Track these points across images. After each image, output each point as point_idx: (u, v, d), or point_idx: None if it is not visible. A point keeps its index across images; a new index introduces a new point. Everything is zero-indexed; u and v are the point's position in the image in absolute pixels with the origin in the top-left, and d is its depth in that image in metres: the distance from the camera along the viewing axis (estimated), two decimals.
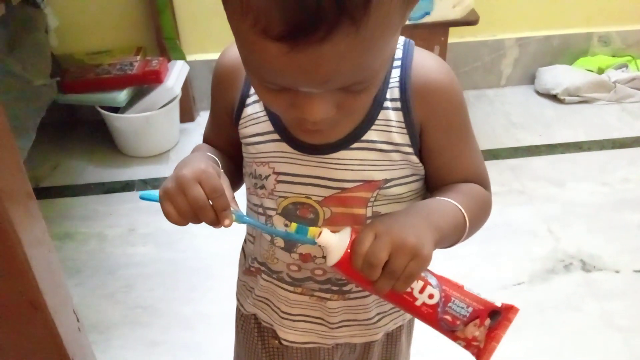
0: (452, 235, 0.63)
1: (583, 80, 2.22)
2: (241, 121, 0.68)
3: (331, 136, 0.64)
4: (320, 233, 0.59)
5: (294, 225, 0.61)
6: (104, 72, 1.91)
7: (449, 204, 0.64)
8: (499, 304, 0.61)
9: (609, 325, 1.41)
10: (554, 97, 2.26)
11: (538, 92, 2.32)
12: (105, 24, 2.03)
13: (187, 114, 2.11)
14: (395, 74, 0.63)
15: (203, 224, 0.60)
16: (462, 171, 0.68)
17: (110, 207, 1.82)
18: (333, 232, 0.60)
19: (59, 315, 0.81)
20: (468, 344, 0.62)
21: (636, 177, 1.87)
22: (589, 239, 1.65)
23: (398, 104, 0.63)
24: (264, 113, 0.66)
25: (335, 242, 0.59)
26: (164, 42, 1.99)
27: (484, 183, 0.70)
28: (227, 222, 0.59)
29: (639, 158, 1.96)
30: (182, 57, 1.99)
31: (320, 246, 0.60)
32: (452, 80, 0.64)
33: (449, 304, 0.60)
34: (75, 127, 2.14)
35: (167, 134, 2.03)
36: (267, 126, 0.66)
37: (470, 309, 0.61)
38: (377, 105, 0.63)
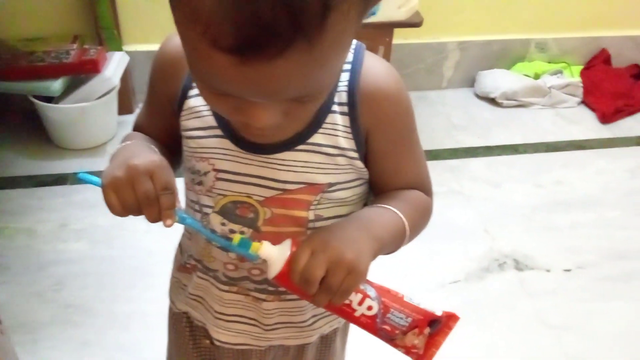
0: (392, 244, 0.64)
1: (520, 84, 2.29)
2: (183, 113, 0.66)
3: (276, 137, 0.62)
4: (261, 246, 0.59)
5: (237, 238, 0.60)
6: (38, 59, 1.82)
7: (390, 212, 0.64)
8: (439, 313, 0.63)
9: (540, 322, 1.46)
10: (493, 101, 2.33)
11: (477, 95, 2.38)
12: (41, 9, 1.94)
13: (126, 106, 2.04)
14: (344, 77, 0.62)
15: (140, 217, 0.58)
16: (406, 177, 0.69)
17: (41, 201, 1.74)
18: (275, 244, 0.60)
19: None
20: (407, 351, 0.64)
21: (568, 180, 1.95)
22: (523, 239, 1.70)
23: (345, 109, 0.62)
24: (207, 107, 0.64)
25: (275, 255, 0.59)
26: (100, 31, 1.92)
27: (426, 189, 0.71)
28: (169, 221, 0.57)
29: (572, 161, 2.04)
30: (119, 48, 1.92)
31: (261, 259, 0.60)
32: (401, 87, 0.64)
33: (388, 315, 0.61)
34: (6, 116, 2.03)
35: (104, 126, 1.96)
36: (210, 121, 0.64)
37: (409, 319, 0.62)
38: (325, 109, 0.62)
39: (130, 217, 0.59)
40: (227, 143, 0.64)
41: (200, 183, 0.67)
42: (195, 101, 0.65)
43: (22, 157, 1.90)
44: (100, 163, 1.88)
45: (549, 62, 2.42)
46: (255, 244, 0.59)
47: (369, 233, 0.60)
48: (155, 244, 1.54)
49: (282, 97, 0.49)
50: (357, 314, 0.61)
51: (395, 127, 0.65)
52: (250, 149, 0.63)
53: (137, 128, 0.74)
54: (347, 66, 0.62)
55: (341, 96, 0.62)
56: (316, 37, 0.44)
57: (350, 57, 0.62)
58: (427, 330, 0.63)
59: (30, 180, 1.82)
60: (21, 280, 1.50)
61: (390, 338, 0.63)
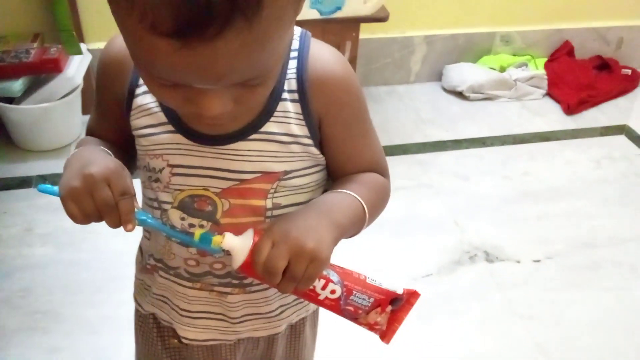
0: (352, 228, 0.65)
1: (486, 78, 2.32)
2: (132, 112, 0.66)
3: (229, 127, 0.62)
4: (223, 239, 0.60)
5: (197, 233, 0.61)
6: None
7: (349, 197, 0.65)
8: (400, 291, 0.66)
9: (511, 313, 1.48)
10: (460, 94, 2.35)
11: (445, 89, 2.39)
12: None
13: (90, 105, 1.98)
14: (292, 65, 0.63)
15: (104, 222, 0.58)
16: (362, 161, 0.70)
17: (5, 204, 1.70)
18: (236, 234, 0.60)
19: None
20: (371, 328, 0.68)
21: (535, 171, 1.98)
22: (492, 230, 1.72)
23: (296, 96, 0.63)
24: (156, 104, 0.64)
25: (238, 246, 0.59)
26: (59, 34, 1.86)
27: (383, 172, 0.72)
28: (129, 226, 0.58)
29: (538, 153, 2.08)
30: (78, 52, 1.87)
31: (224, 251, 0.60)
32: (349, 72, 0.65)
33: (351, 297, 0.64)
34: None
35: (67, 127, 1.92)
36: (160, 117, 0.64)
37: (371, 300, 0.65)
38: (276, 96, 0.62)
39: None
40: (179, 138, 0.64)
41: (157, 180, 0.67)
42: (143, 99, 0.65)
43: None
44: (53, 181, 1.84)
45: (514, 55, 2.46)
46: (216, 238, 0.60)
47: (329, 220, 0.61)
48: (122, 246, 1.49)
49: (227, 80, 0.49)
50: (320, 297, 0.63)
51: (347, 111, 0.66)
52: (203, 141, 0.63)
53: (89, 132, 0.74)
54: (294, 54, 0.63)
55: (290, 83, 0.63)
56: (254, 15, 0.44)
57: (296, 44, 0.63)
58: (389, 308, 0.66)
59: None
60: None
61: (354, 317, 0.66)
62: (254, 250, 0.58)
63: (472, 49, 2.42)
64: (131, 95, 0.65)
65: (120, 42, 0.64)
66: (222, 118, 0.54)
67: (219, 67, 0.46)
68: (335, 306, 0.64)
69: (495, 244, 1.68)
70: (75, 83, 1.83)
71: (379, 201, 0.70)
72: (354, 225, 0.65)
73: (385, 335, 0.68)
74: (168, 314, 0.77)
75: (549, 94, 2.38)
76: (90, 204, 0.57)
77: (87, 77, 1.91)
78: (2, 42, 1.85)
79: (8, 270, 1.51)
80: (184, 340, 0.78)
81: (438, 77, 2.44)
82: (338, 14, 1.82)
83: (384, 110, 2.24)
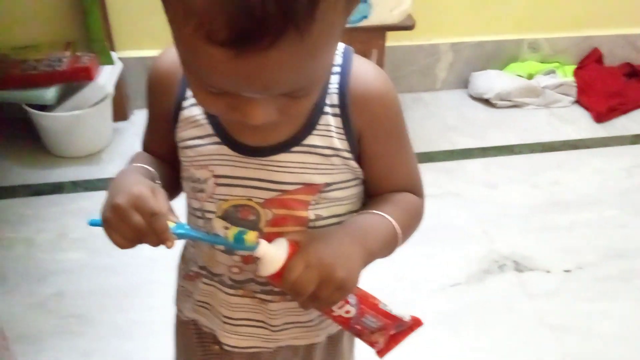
0: (384, 252, 0.67)
1: (514, 85, 2.30)
2: (178, 124, 0.68)
3: (272, 138, 0.64)
4: (258, 242, 0.61)
5: (231, 233, 0.63)
6: (31, 67, 1.81)
7: (384, 220, 0.67)
8: (407, 319, 0.72)
9: (541, 323, 1.47)
10: (487, 102, 2.33)
11: (471, 96, 2.38)
12: (32, 17, 1.93)
13: (120, 113, 2.03)
14: (335, 80, 0.64)
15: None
16: (398, 178, 0.71)
17: (39, 210, 1.73)
18: (270, 242, 0.62)
19: None
20: (370, 344, 0.73)
21: (564, 180, 1.96)
22: (521, 240, 1.71)
23: (337, 110, 0.64)
24: (202, 116, 0.66)
25: (270, 255, 0.61)
26: (91, 44, 1.90)
27: (418, 191, 0.73)
28: (168, 244, 0.59)
29: (567, 161, 2.05)
30: (110, 62, 1.90)
31: (256, 256, 0.62)
32: (390, 89, 0.66)
33: (362, 319, 0.68)
34: (0, 125, 2.02)
35: (99, 134, 1.95)
36: (207, 129, 0.66)
37: (380, 323, 0.69)
38: (318, 110, 0.64)
39: None
40: (224, 149, 0.65)
41: (201, 190, 0.68)
42: (190, 111, 0.66)
43: (18, 167, 1.89)
44: (96, 171, 1.88)
45: (542, 62, 2.43)
46: (248, 236, 0.62)
47: (362, 247, 0.63)
48: (152, 252, 1.50)
49: (275, 90, 0.50)
50: (334, 314, 0.67)
51: (386, 128, 0.67)
52: (247, 152, 0.65)
53: (144, 147, 0.76)
54: (337, 69, 0.64)
55: (332, 98, 0.64)
56: (306, 27, 0.45)
57: (339, 60, 0.64)
58: (392, 331, 0.72)
59: (27, 189, 1.81)
60: (21, 290, 1.49)
61: (358, 333, 0.71)
62: (286, 269, 0.60)
63: (499, 56, 2.40)
64: (178, 108, 0.67)
65: (167, 58, 0.67)
66: (265, 127, 0.55)
67: (268, 77, 0.48)
68: (345, 323, 0.69)
69: (524, 253, 1.66)
70: (107, 91, 1.86)
71: (412, 223, 0.72)
72: (386, 250, 0.67)
73: (382, 352, 0.73)
74: (210, 320, 0.78)
75: (578, 101, 2.35)
76: (127, 232, 0.59)
77: (117, 85, 1.94)
78: (35, 51, 1.89)
79: (42, 274, 1.54)
80: (225, 347, 0.78)
81: (464, 84, 2.43)
82: (364, 23, 1.83)
83: (409, 118, 2.20)
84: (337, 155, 0.65)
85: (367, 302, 0.68)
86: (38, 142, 1.94)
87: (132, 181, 0.62)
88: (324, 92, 0.63)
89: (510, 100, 2.31)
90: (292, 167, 0.65)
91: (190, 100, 0.66)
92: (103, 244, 1.75)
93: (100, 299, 1.48)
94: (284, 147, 0.64)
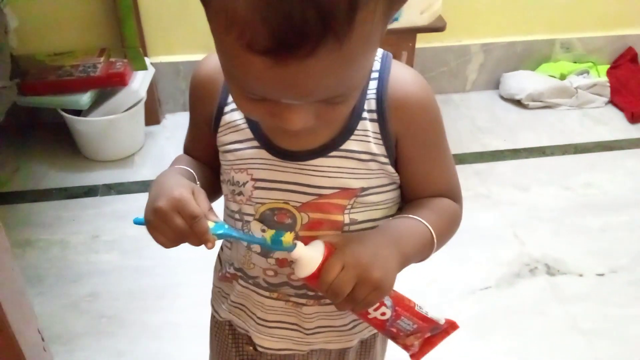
0: (419, 256, 0.67)
1: (546, 85, 2.27)
2: (220, 129, 0.69)
3: (310, 143, 0.65)
4: (294, 243, 0.62)
5: (269, 233, 0.64)
6: (66, 73, 1.86)
7: (420, 225, 0.66)
8: (442, 322, 0.71)
9: (572, 328, 1.44)
10: (518, 102, 2.30)
11: (502, 97, 2.36)
12: (67, 24, 1.98)
13: (152, 117, 2.07)
14: (373, 85, 0.64)
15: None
16: (435, 183, 0.70)
17: (73, 212, 1.77)
18: (306, 244, 0.62)
19: (23, 336, 0.77)
20: (405, 347, 0.72)
21: (597, 182, 1.92)
22: (553, 243, 1.68)
23: (375, 116, 0.64)
24: (243, 120, 0.67)
25: (307, 256, 0.61)
26: (126, 50, 1.94)
27: (456, 196, 0.72)
28: (209, 245, 0.61)
29: (600, 163, 2.01)
30: (144, 67, 1.94)
31: (293, 258, 0.62)
32: (428, 94, 0.66)
33: (398, 321, 0.68)
34: (36, 129, 2.08)
35: (132, 138, 1.99)
36: (247, 133, 0.67)
37: (415, 326, 0.69)
38: (356, 116, 0.64)
39: None
40: (263, 153, 0.67)
41: (240, 193, 0.70)
42: (231, 116, 0.68)
43: (53, 170, 1.94)
44: (129, 174, 1.91)
45: (575, 62, 2.39)
46: (286, 237, 0.63)
47: (398, 250, 0.63)
48: (183, 254, 1.52)
49: (314, 97, 0.51)
50: (370, 316, 0.67)
51: (423, 133, 0.67)
52: (285, 157, 0.66)
53: (185, 151, 0.78)
54: (375, 74, 0.64)
55: (370, 104, 0.64)
56: (345, 35, 0.45)
57: (377, 65, 0.65)
58: (427, 334, 0.71)
59: (62, 192, 1.85)
60: (56, 291, 1.53)
61: (393, 337, 0.71)
62: (324, 269, 0.60)
63: (530, 56, 2.37)
64: (220, 113, 0.68)
65: (209, 64, 0.69)
66: (303, 132, 0.56)
67: (307, 84, 0.48)
68: (381, 325, 0.68)
69: (556, 256, 1.64)
70: (140, 96, 1.90)
71: (448, 229, 0.71)
72: (421, 254, 0.67)
73: (416, 356, 0.73)
74: (245, 321, 0.80)
75: (612, 101, 2.31)
76: (170, 233, 0.60)
77: (150, 90, 1.97)
78: (70, 57, 1.93)
79: (76, 275, 1.58)
80: (258, 348, 0.80)
81: (495, 85, 2.40)
82: (395, 25, 1.82)
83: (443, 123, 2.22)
84: (374, 160, 0.66)
85: (403, 304, 0.68)
86: (73, 146, 1.99)
87: (173, 183, 0.63)
88: (362, 97, 0.64)
89: (542, 101, 2.28)
90: (329, 172, 0.65)
91: (231, 105, 0.68)
92: (134, 246, 1.78)
93: (131, 300, 1.51)
94: (322, 151, 0.65)
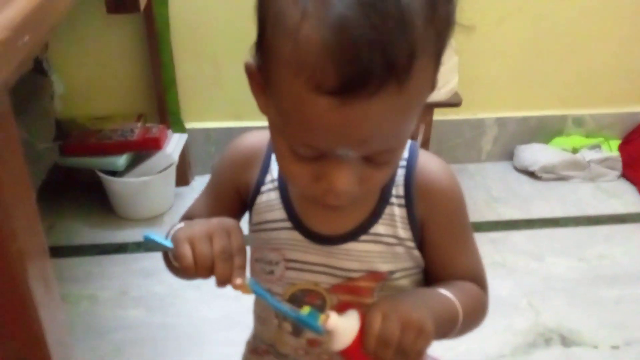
0: (446, 325, 0.66)
1: (559, 158, 2.34)
2: (255, 207, 0.73)
3: (341, 227, 0.68)
4: (328, 313, 0.60)
5: (307, 308, 0.62)
6: (105, 137, 1.97)
7: (445, 295, 0.68)
8: None
9: None
10: (532, 174, 2.37)
11: (516, 168, 2.43)
12: (109, 90, 2.10)
13: (182, 178, 2.16)
14: (401, 172, 0.69)
15: (196, 284, 0.61)
16: (460, 270, 0.72)
17: (103, 268, 1.84)
18: (339, 315, 0.61)
19: None
20: None
21: (611, 254, 1.96)
22: (568, 313, 1.71)
23: (402, 201, 0.69)
24: (278, 201, 0.71)
25: (342, 326, 0.59)
26: (167, 116, 2.07)
27: (481, 284, 0.74)
28: (239, 280, 0.58)
29: (614, 235, 2.06)
30: (183, 131, 2.07)
31: (326, 331, 0.60)
32: (454, 183, 0.71)
33: None
34: (72, 188, 2.17)
35: (163, 198, 2.07)
36: (281, 214, 0.71)
37: None
38: (384, 200, 0.69)
39: (186, 285, 0.62)
40: (296, 235, 0.70)
41: (271, 272, 0.73)
42: (268, 196, 0.72)
43: (87, 227, 2.02)
44: (158, 232, 1.97)
45: (587, 137, 2.47)
46: (323, 316, 0.60)
47: (428, 307, 0.63)
48: (208, 313, 1.60)
49: (371, 143, 0.53)
50: None
51: (448, 220, 0.70)
52: (318, 240, 0.70)
53: (190, 217, 0.76)
54: (404, 162, 0.69)
55: (398, 189, 0.69)
56: (405, 80, 0.49)
57: (405, 154, 0.69)
58: None
59: (94, 248, 1.93)
60: (82, 345, 1.57)
61: None
62: (366, 325, 0.58)
63: (543, 130, 2.45)
64: (257, 192, 0.72)
65: (253, 137, 0.73)
66: (345, 198, 0.58)
67: (368, 126, 0.51)
68: None
69: (571, 327, 1.66)
70: (173, 159, 1.99)
71: (474, 308, 0.71)
72: (448, 323, 0.66)
73: None
74: None
75: (624, 175, 2.37)
76: (207, 248, 0.58)
77: (182, 153, 2.07)
78: (110, 121, 2.05)
79: (103, 330, 1.62)
80: None
81: (509, 156, 2.48)
82: None
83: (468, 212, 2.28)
84: (401, 245, 0.69)
85: None
86: (107, 205, 2.07)
87: (223, 218, 0.62)
88: (391, 183, 0.68)
89: (555, 173, 2.35)
90: (358, 255, 0.69)
91: (268, 185, 0.71)
92: (160, 304, 1.83)
93: (156, 357, 1.54)
94: (352, 236, 0.68)
